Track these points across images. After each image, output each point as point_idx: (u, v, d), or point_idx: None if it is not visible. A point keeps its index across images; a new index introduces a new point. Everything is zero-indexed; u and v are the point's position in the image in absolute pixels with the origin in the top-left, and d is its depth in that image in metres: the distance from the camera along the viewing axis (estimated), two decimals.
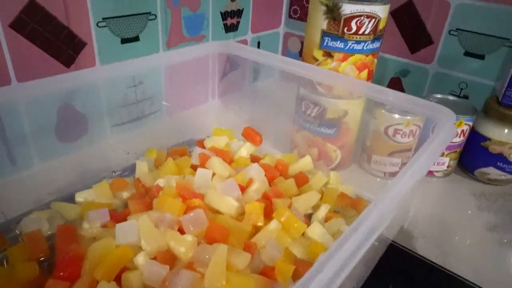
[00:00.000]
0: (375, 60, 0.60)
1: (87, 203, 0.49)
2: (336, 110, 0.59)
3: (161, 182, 0.50)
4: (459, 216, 0.59)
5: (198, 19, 0.76)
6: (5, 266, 0.41)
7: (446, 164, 0.66)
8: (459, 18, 0.71)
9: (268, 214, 0.46)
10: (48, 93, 0.46)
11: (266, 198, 0.49)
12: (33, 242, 0.42)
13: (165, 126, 0.75)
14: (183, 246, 0.39)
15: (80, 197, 0.50)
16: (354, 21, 0.53)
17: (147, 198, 0.48)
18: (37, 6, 0.52)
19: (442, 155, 0.64)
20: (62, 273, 0.37)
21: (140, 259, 0.38)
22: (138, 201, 0.47)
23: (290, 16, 0.96)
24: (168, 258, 0.39)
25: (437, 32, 0.73)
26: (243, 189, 0.50)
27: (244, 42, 0.90)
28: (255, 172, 0.52)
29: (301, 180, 0.56)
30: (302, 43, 0.98)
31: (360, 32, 0.54)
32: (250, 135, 0.63)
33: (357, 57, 0.56)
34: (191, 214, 0.42)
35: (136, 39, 0.66)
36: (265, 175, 0.53)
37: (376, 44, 0.57)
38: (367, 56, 0.57)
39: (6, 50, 0.51)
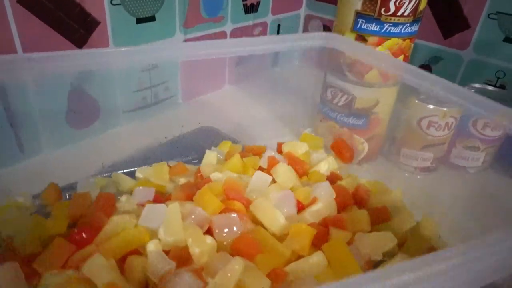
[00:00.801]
0: (412, 45, 0.55)
1: (143, 180, 0.49)
2: (367, 99, 0.54)
3: (215, 175, 0.46)
4: None
5: None
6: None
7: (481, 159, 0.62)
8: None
9: (319, 245, 0.38)
10: (59, 69, 0.43)
11: (324, 226, 0.41)
12: (77, 202, 0.42)
13: (180, 111, 0.71)
14: (199, 247, 0.34)
15: (140, 173, 0.50)
16: (393, 0, 0.48)
17: (195, 188, 0.44)
18: None
19: (478, 149, 0.60)
20: (76, 236, 0.36)
21: (151, 246, 0.35)
22: (183, 188, 0.44)
23: None
24: (182, 255, 0.35)
25: (475, 15, 0.68)
26: (302, 207, 0.43)
27: (264, 24, 0.84)
28: (323, 191, 0.44)
29: (380, 216, 0.44)
30: (324, 26, 0.93)
31: (399, 13, 0.49)
32: (340, 148, 0.56)
33: (393, 41, 0.52)
34: (225, 216, 0.38)
35: (151, 18, 0.61)
36: (336, 199, 0.44)
37: (415, 27, 0.52)
38: (404, 40, 0.52)
39: (15, 28, 0.47)
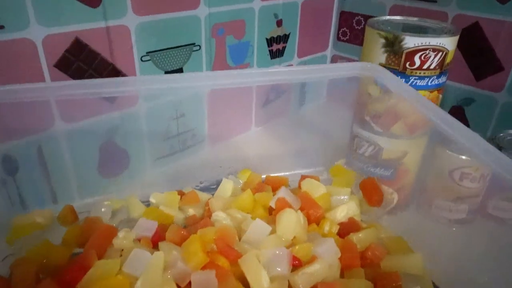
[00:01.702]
0: (440, 96, 0.54)
1: (152, 208, 0.49)
2: (394, 151, 0.53)
3: (218, 215, 0.45)
4: None
5: (243, 47, 0.71)
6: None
7: None
8: None
9: None
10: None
11: None
12: (88, 226, 0.44)
13: (208, 156, 0.71)
14: None
15: (154, 198, 0.50)
16: (417, 55, 0.48)
17: (193, 229, 0.43)
18: (82, 44, 0.51)
19: None
20: (65, 276, 0.37)
21: None
22: (178, 230, 0.43)
23: (338, 39, 0.91)
24: None
25: (508, 57, 0.65)
26: (299, 265, 0.40)
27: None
28: (326, 250, 0.40)
29: (389, 283, 0.40)
30: None
31: (425, 67, 0.49)
32: (369, 189, 0.51)
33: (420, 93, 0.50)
34: (204, 274, 0.36)
35: (179, 70, 0.63)
36: (341, 259, 0.40)
37: (442, 79, 0.51)
38: (431, 92, 0.51)
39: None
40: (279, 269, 0.38)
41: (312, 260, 0.40)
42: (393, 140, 0.52)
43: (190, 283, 0.37)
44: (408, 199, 0.58)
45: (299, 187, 0.54)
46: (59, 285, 0.36)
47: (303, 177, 0.54)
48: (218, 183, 0.53)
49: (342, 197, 0.52)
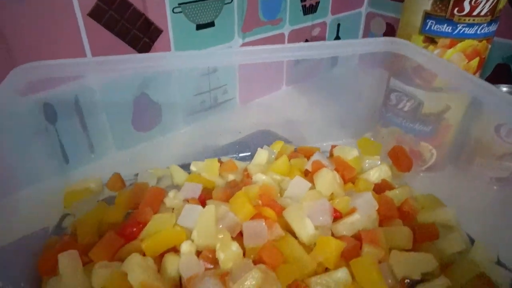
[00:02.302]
0: (489, 46, 0.50)
1: (194, 174, 0.51)
2: (435, 104, 0.51)
3: (258, 177, 0.47)
4: None
5: (275, 1, 0.69)
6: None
7: None
8: None
9: (350, 259, 0.37)
10: (126, 71, 0.47)
11: (358, 239, 0.40)
12: (136, 191, 0.47)
13: (239, 114, 0.72)
14: (224, 253, 0.36)
15: (194, 166, 0.53)
16: (467, 0, 0.44)
17: (236, 189, 0.45)
18: None
19: None
20: (124, 231, 0.40)
21: (184, 247, 0.38)
22: (225, 188, 0.46)
23: None
24: (212, 258, 0.37)
25: None
26: (339, 217, 0.42)
27: (323, 25, 0.82)
28: (364, 202, 0.42)
29: (427, 234, 0.41)
30: (387, 24, 0.88)
31: (475, 13, 0.45)
32: (398, 156, 0.52)
33: (467, 43, 0.48)
34: (254, 223, 0.38)
35: (211, 24, 0.62)
36: (378, 211, 0.42)
37: (493, 27, 0.48)
38: (480, 41, 0.48)
39: (86, 40, 0.51)
40: (321, 219, 0.40)
41: (351, 212, 0.42)
42: (435, 94, 0.50)
43: (240, 233, 0.39)
44: (447, 157, 0.56)
45: (331, 155, 0.55)
46: (121, 237, 0.39)
47: (333, 147, 0.56)
48: (253, 155, 0.56)
49: (373, 162, 0.53)
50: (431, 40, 0.49)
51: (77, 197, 0.47)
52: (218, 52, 0.54)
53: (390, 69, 0.56)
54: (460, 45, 0.48)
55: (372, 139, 0.60)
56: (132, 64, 0.47)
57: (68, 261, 0.35)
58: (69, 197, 0.48)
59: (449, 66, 0.47)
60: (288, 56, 0.52)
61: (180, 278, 0.36)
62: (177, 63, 0.50)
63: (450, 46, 0.49)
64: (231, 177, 0.51)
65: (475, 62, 0.50)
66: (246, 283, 0.32)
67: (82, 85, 0.53)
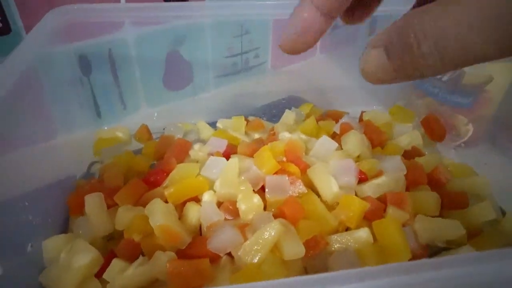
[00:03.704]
0: None
1: (221, 130, 0.52)
2: (478, 74, 0.48)
3: (284, 135, 0.46)
4: None
5: None
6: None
7: None
8: None
9: (373, 221, 0.36)
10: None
11: (383, 201, 0.39)
12: (163, 142, 0.48)
13: (269, 79, 0.70)
14: (245, 204, 0.36)
15: (220, 123, 0.53)
16: None
17: (262, 145, 0.44)
18: None
19: None
20: (149, 178, 0.41)
21: (206, 196, 0.38)
22: (251, 144, 0.45)
23: None
24: (232, 209, 0.37)
25: None
26: (365, 179, 0.41)
27: None
28: (391, 165, 0.41)
29: (457, 202, 0.40)
30: None
31: None
32: (430, 125, 0.50)
33: None
34: (276, 178, 0.38)
35: None
36: (406, 176, 0.40)
37: None
38: None
39: None
40: (346, 179, 0.39)
41: (378, 175, 0.41)
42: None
43: (263, 187, 0.39)
44: (484, 133, 0.54)
45: (361, 119, 0.54)
46: (146, 183, 0.40)
47: (363, 112, 0.55)
48: (281, 116, 0.55)
49: (405, 128, 0.52)
50: None
51: (106, 145, 0.48)
52: (253, 4, 0.52)
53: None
54: None
55: (404, 107, 0.57)
56: (167, 12, 0.47)
57: (94, 202, 0.37)
58: (98, 144, 0.49)
59: None
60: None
61: (200, 227, 0.37)
62: (210, 12, 0.49)
63: None
64: (257, 135, 0.51)
65: None
66: (264, 234, 0.32)
67: (116, 38, 0.53)
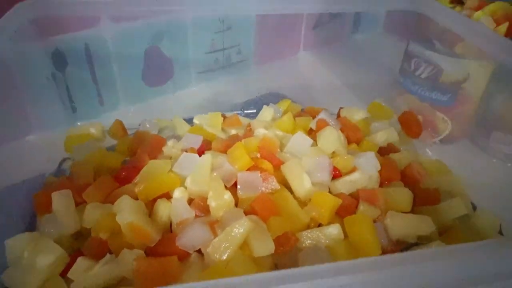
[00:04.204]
0: None
1: (197, 126, 0.51)
2: (456, 72, 0.48)
3: (259, 132, 0.46)
4: None
5: None
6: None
7: None
8: None
9: (345, 217, 0.36)
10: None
11: (355, 198, 0.39)
12: (137, 139, 0.47)
13: (251, 76, 0.70)
14: (216, 201, 0.35)
15: (197, 119, 0.52)
16: None
17: (236, 141, 0.43)
18: None
19: None
20: (119, 175, 0.40)
21: (176, 193, 0.37)
22: (223, 141, 0.45)
23: None
24: (203, 206, 0.36)
25: None
26: (339, 175, 0.41)
27: None
28: (365, 161, 0.40)
29: (429, 198, 0.40)
30: None
31: None
32: (407, 121, 0.51)
33: (497, 5, 0.47)
34: (248, 174, 0.37)
35: None
36: (380, 173, 0.41)
37: None
38: None
39: None
40: (319, 175, 0.39)
41: (352, 171, 0.41)
42: (456, 61, 0.48)
43: (235, 184, 0.38)
44: (462, 130, 0.54)
45: (338, 116, 0.54)
46: (116, 180, 0.39)
47: (341, 108, 0.55)
48: (258, 112, 0.55)
49: (381, 125, 0.51)
50: (458, 0, 0.46)
51: (78, 141, 0.47)
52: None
53: (411, 31, 0.53)
54: (489, 8, 0.46)
55: (383, 104, 0.57)
56: (146, 6, 0.46)
57: (61, 199, 0.36)
58: (70, 141, 0.48)
59: (477, 27, 0.44)
60: (307, 9, 0.51)
61: (171, 224, 0.36)
62: (191, 7, 0.49)
63: (478, 8, 0.46)
64: (233, 132, 0.50)
65: (503, 27, 0.47)
66: (234, 231, 0.31)
67: (94, 33, 0.52)
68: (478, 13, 0.49)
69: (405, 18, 0.57)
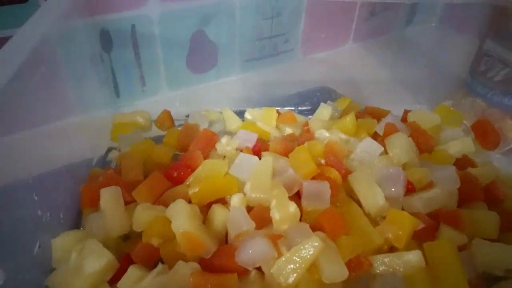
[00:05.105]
0: None
1: (249, 122, 0.48)
2: None
3: (321, 133, 0.42)
4: None
5: None
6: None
7: None
8: None
9: (423, 241, 0.32)
10: None
11: (434, 219, 0.34)
12: (186, 132, 0.44)
13: (297, 67, 0.66)
14: (280, 213, 0.32)
15: (249, 114, 0.49)
16: None
17: (296, 143, 0.41)
18: None
19: None
20: (171, 173, 0.37)
21: (235, 200, 0.34)
22: (284, 140, 0.41)
23: None
24: (264, 216, 0.32)
25: None
26: (412, 190, 0.36)
27: None
28: (445, 176, 0.36)
29: None
30: None
31: None
32: (483, 130, 0.45)
33: None
34: (316, 184, 0.33)
35: None
36: (459, 190, 0.36)
37: None
38: None
39: None
40: (393, 189, 0.35)
41: (428, 186, 0.36)
42: None
43: (297, 193, 0.35)
44: None
45: (403, 120, 0.49)
46: (167, 179, 0.36)
47: (406, 112, 0.49)
48: (314, 109, 0.50)
49: (455, 133, 0.46)
50: None
51: (124, 130, 0.45)
52: None
53: (486, 28, 0.48)
54: None
55: (451, 108, 0.51)
56: None
57: (110, 197, 0.33)
58: (116, 129, 0.45)
59: None
60: None
61: (227, 233, 0.33)
62: None
63: None
64: (289, 130, 0.46)
65: None
66: (302, 252, 0.28)
67: (140, 13, 0.49)
68: None
69: (475, 11, 0.51)
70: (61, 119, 0.48)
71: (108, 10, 0.48)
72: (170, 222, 0.30)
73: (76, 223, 0.36)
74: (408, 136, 0.42)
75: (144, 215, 0.32)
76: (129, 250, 0.32)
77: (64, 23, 0.40)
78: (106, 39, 0.49)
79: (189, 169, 0.37)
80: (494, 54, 0.46)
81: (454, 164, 0.41)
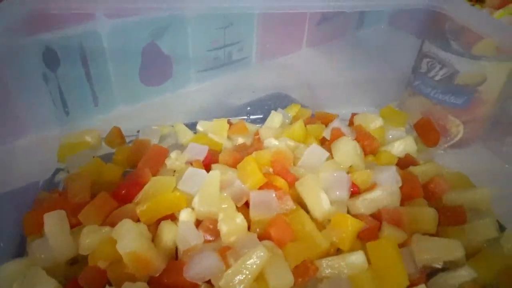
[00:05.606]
0: None
1: (201, 134, 0.48)
2: (472, 74, 0.46)
3: (270, 142, 0.43)
4: None
5: None
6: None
7: None
8: None
9: (367, 240, 0.34)
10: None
11: (377, 218, 0.36)
12: (137, 148, 0.44)
13: (253, 74, 0.67)
14: (227, 226, 0.32)
15: (201, 126, 0.49)
16: None
17: (245, 153, 0.41)
18: None
19: None
20: (118, 193, 0.36)
21: (183, 215, 0.34)
22: (231, 152, 0.42)
23: None
24: (212, 229, 0.33)
25: None
26: (358, 192, 0.38)
27: None
28: (387, 177, 0.37)
29: (454, 217, 0.37)
30: None
31: None
32: (424, 129, 0.48)
33: None
34: (262, 194, 0.34)
35: None
36: (401, 189, 0.38)
37: None
38: None
39: None
40: (338, 193, 0.36)
41: (371, 188, 0.38)
42: (473, 62, 0.46)
43: (246, 203, 0.35)
44: (476, 134, 0.52)
45: (351, 123, 0.51)
46: (115, 198, 0.36)
47: (353, 115, 0.51)
48: (265, 117, 0.51)
49: (398, 133, 0.49)
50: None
51: (72, 151, 0.44)
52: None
53: (425, 31, 0.51)
54: (510, 7, 0.42)
55: (397, 109, 0.54)
56: (144, 3, 0.43)
57: (54, 222, 0.32)
58: (63, 150, 0.44)
59: (500, 26, 0.41)
60: (313, 6, 0.48)
61: (176, 249, 0.33)
62: (192, 4, 0.46)
63: (499, 7, 0.43)
64: (240, 140, 0.47)
65: None
66: (249, 262, 0.28)
67: (88, 29, 0.48)
68: (500, 12, 0.47)
69: (416, 15, 0.54)
70: (5, 143, 0.47)
71: (51, 28, 0.46)
72: (116, 244, 0.30)
73: (21, 250, 0.34)
74: (354, 140, 0.43)
75: (90, 238, 0.31)
76: (77, 275, 0.31)
77: (6, 43, 0.39)
78: (51, 57, 0.48)
79: (138, 187, 0.36)
80: (433, 55, 0.48)
81: (397, 164, 0.43)
